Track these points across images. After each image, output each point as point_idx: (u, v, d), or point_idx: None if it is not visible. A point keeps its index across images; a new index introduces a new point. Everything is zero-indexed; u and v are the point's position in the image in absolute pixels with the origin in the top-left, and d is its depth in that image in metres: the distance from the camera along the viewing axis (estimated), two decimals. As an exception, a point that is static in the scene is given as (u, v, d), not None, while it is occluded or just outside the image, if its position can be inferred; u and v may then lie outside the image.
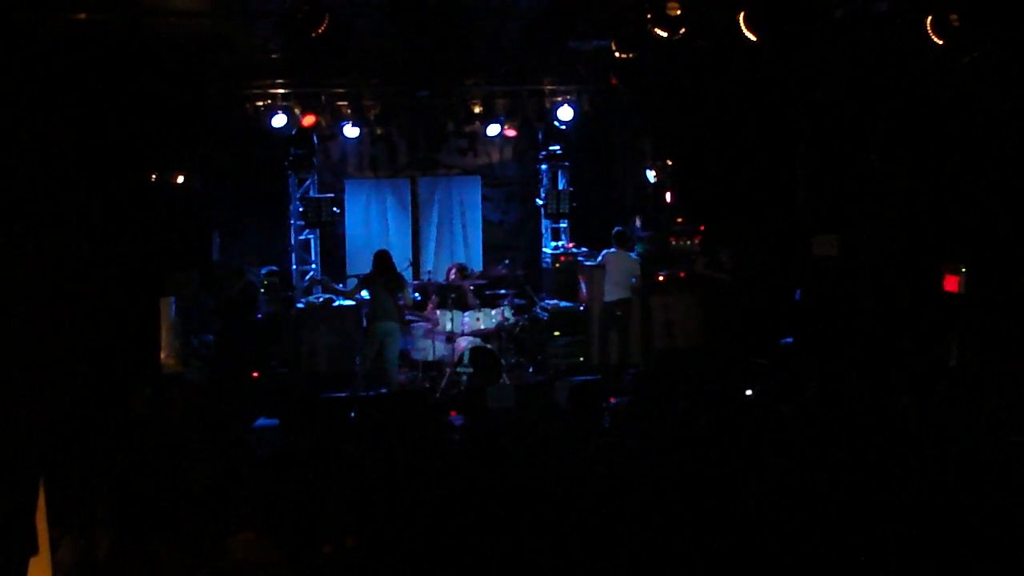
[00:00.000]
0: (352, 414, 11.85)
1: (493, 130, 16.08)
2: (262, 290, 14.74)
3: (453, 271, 15.14)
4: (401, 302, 13.54)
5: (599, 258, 14.61)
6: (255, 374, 13.92)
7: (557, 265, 16.31)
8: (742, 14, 10.85)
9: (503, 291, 15.07)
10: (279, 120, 14.73)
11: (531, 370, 15.00)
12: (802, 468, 7.72)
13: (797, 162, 14.10)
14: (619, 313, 14.45)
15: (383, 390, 13.33)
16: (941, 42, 11.06)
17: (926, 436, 8.19)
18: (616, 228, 14.71)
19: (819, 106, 13.64)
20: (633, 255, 14.74)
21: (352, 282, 15.01)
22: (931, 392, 9.43)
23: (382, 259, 13.57)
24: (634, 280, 14.50)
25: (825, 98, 13.63)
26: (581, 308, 15.36)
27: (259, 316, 14.66)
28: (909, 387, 9.47)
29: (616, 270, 14.40)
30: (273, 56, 13.21)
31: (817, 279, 13.67)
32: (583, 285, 15.54)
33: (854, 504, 6.96)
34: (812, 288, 13.71)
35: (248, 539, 6.35)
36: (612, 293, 14.41)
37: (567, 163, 16.79)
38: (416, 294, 14.90)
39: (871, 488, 7.16)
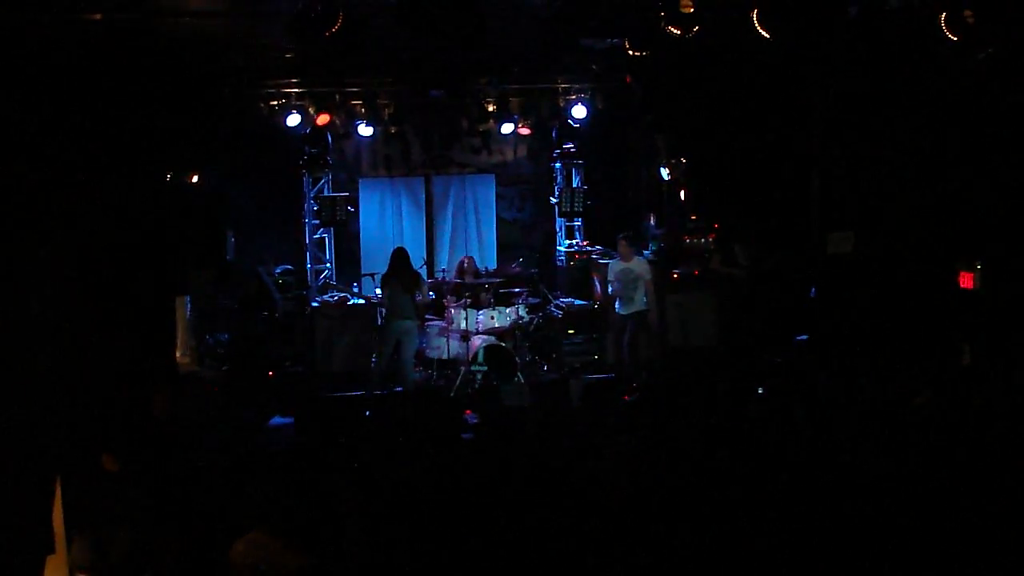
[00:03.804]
0: (367, 412, 11.85)
1: (507, 128, 16.05)
2: (277, 293, 14.76)
3: (464, 260, 15.19)
4: (418, 298, 13.53)
5: (647, 264, 14.14)
6: (270, 373, 13.95)
7: (571, 263, 16.29)
8: (755, 11, 10.81)
9: (517, 289, 15.07)
10: (293, 119, 14.73)
11: (545, 368, 14.99)
12: (815, 466, 7.69)
13: (811, 159, 14.04)
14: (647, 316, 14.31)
15: (398, 388, 13.34)
16: (956, 38, 10.99)
17: (941, 435, 8.14)
18: (628, 232, 14.47)
19: (833, 103, 13.58)
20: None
21: (367, 281, 15.03)
22: (946, 390, 9.37)
23: (399, 257, 13.56)
24: None
25: (839, 95, 13.57)
26: (595, 306, 15.33)
27: (278, 315, 14.69)
28: (925, 385, 9.40)
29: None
30: (287, 55, 13.21)
31: (832, 276, 13.61)
32: (597, 284, 15.51)
33: (867, 503, 6.92)
34: (827, 285, 13.65)
35: (259, 539, 6.34)
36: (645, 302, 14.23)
37: (581, 161, 16.77)
38: (431, 293, 14.92)
39: (884, 487, 7.12)
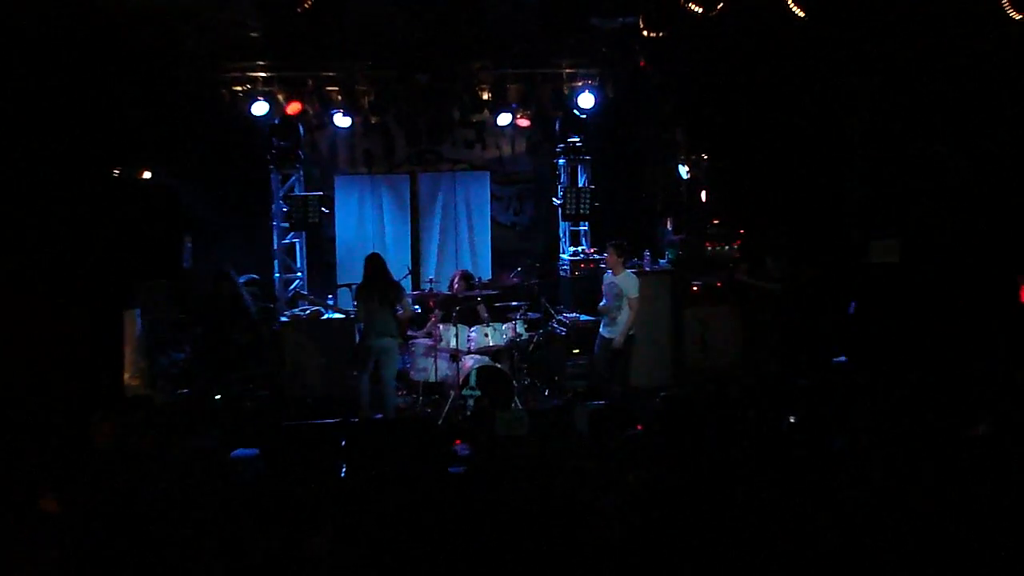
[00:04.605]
0: (343, 443, 11.78)
1: (504, 119, 16.03)
2: (250, 299, 14.68)
3: (457, 279, 15.07)
4: (399, 312, 13.44)
5: (634, 280, 13.66)
6: (232, 397, 13.87)
7: (576, 273, 16.19)
8: (788, -13, 10.80)
9: (515, 303, 14.99)
10: (260, 108, 14.70)
11: (547, 393, 14.94)
12: (855, 508, 7.64)
13: (851, 156, 14.01)
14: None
15: (378, 416, 13.28)
16: (1020, 16, 10.91)
17: (1003, 470, 8.09)
18: (620, 240, 14.30)
19: (876, 93, 13.55)
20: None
21: (344, 293, 14.97)
22: (1007, 420, 9.32)
23: (375, 265, 13.47)
24: None
25: (883, 85, 13.54)
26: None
27: (256, 324, 14.62)
28: (984, 414, 9.35)
29: None
30: (253, 34, 13.18)
31: (875, 289, 13.58)
32: (606, 296, 15.48)
33: (917, 549, 6.87)
34: (869, 300, 13.62)
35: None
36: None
37: (588, 157, 16.71)
38: (416, 306, 14.81)
39: (938, 531, 7.07)
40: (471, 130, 16.66)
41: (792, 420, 10.88)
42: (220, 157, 15.45)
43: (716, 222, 15.62)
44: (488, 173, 17.20)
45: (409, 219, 16.88)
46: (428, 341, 14.50)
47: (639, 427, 11.64)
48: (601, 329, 13.76)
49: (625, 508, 7.82)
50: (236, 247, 15.81)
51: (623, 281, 13.45)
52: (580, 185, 16.55)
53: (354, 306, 14.01)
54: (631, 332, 13.41)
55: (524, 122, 16.29)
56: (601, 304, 13.73)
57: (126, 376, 13.01)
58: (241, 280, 15.03)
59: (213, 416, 13.17)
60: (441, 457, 10.67)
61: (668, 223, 16.15)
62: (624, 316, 13.34)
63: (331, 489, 9.02)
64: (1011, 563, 6.64)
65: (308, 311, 14.96)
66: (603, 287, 13.82)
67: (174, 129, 14.52)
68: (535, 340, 15.06)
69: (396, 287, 13.52)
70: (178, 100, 14.25)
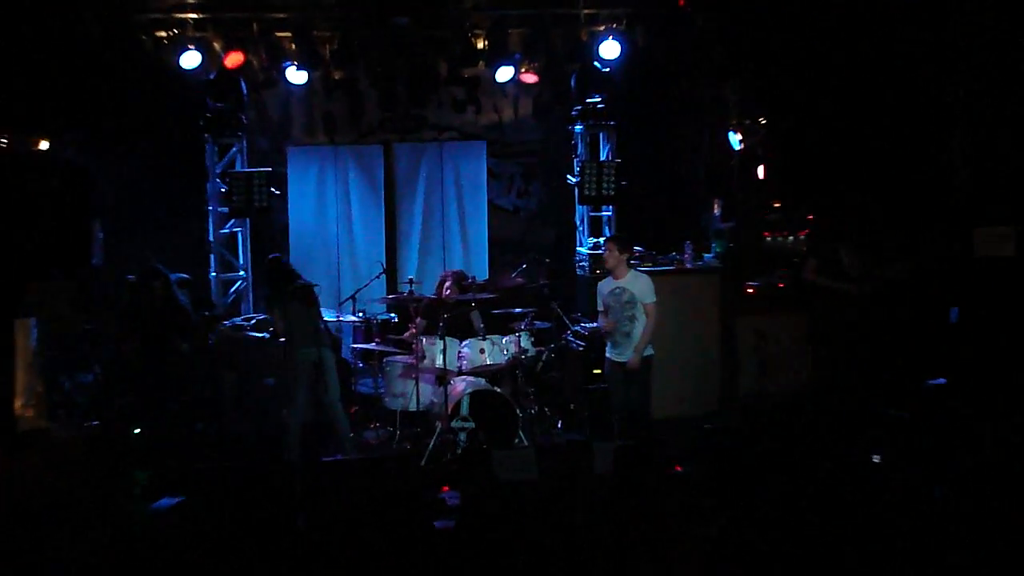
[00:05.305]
0: (296, 487, 11.77)
1: (504, 74, 16.02)
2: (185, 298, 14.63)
3: (448, 282, 15.02)
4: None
5: (648, 281, 13.11)
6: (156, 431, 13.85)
7: (598, 272, 16.13)
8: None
9: (519, 310, 14.93)
10: (191, 59, 14.71)
11: (560, 425, 14.89)
12: (960, 569, 7.60)
13: (954, 122, 13.94)
14: None
15: (338, 456, 13.21)
16: None
17: None
18: (621, 233, 14.09)
19: (989, 42, 13.47)
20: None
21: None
22: None
23: (279, 267, 13.33)
24: None
25: (999, 32, 13.47)
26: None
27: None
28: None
29: None
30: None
31: (982, 291, 13.51)
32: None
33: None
34: (975, 304, 13.55)
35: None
36: None
37: (612, 123, 16.70)
38: (392, 314, 14.74)
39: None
40: (462, 88, 16.56)
41: (877, 460, 10.83)
42: (140, 123, 15.42)
43: (777, 205, 15.60)
44: (484, 143, 17.28)
45: (383, 202, 16.93)
46: (407, 359, 14.43)
47: (677, 467, 11.62)
48: (608, 352, 13.28)
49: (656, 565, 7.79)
50: (161, 238, 15.76)
51: (633, 284, 13.06)
52: (602, 159, 16.54)
53: (269, 318, 13.92)
54: (648, 354, 13.00)
55: (530, 78, 16.27)
56: (605, 321, 13.26)
57: (17, 404, 12.96)
58: (172, 279, 14.99)
59: (133, 455, 13.13)
60: (424, 508, 10.64)
61: (715, 207, 16.13)
62: (639, 328, 12.99)
63: (283, 549, 8.98)
64: None
65: (254, 319, 14.92)
66: (601, 299, 13.37)
67: (80, 86, 14.46)
68: (544, 357, 15.00)
69: (309, 287, 13.37)
70: (85, 49, 14.19)
